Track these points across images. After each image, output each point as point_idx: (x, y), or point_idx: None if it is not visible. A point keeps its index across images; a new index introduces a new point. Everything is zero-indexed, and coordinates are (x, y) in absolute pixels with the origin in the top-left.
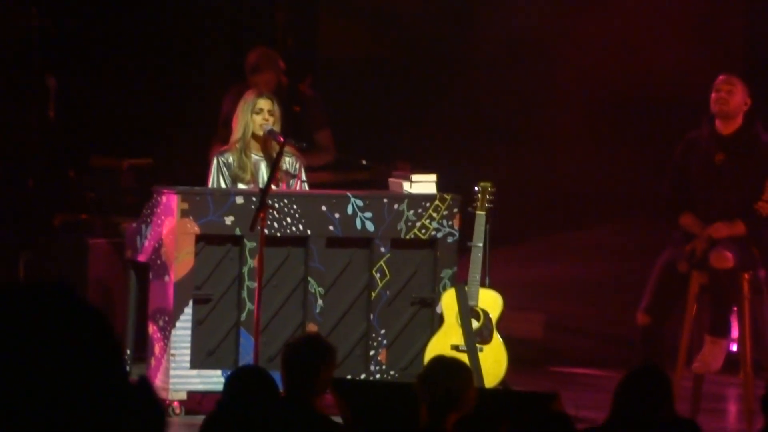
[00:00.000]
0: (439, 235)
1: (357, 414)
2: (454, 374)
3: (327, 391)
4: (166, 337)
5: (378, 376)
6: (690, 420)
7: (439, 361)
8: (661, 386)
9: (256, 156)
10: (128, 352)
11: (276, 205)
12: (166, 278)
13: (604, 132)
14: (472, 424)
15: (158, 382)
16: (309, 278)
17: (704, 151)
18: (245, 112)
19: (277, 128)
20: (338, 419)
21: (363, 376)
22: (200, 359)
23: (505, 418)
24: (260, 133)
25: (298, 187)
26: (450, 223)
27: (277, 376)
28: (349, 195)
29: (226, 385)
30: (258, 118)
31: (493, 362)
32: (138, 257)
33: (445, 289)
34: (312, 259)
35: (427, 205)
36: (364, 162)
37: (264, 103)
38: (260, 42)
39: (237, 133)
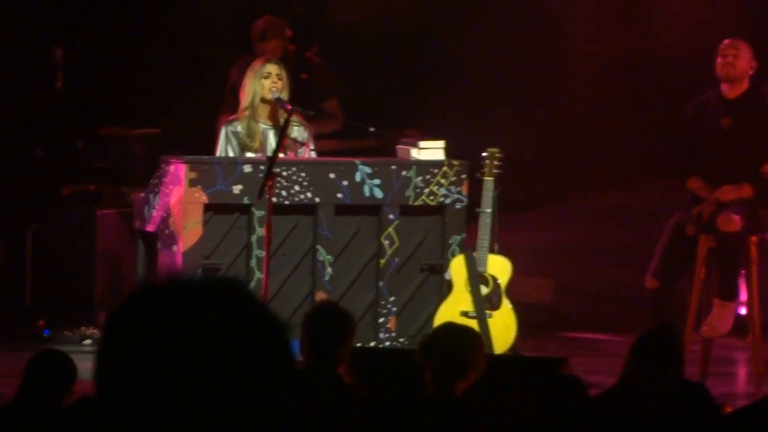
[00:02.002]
0: (448, 201)
1: (366, 381)
2: (456, 340)
3: (349, 360)
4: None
5: (387, 343)
6: (699, 383)
7: (443, 328)
8: (673, 347)
9: (264, 125)
10: None
11: (284, 173)
12: (175, 248)
13: (612, 97)
14: (483, 390)
15: None
16: (318, 246)
17: (711, 115)
18: (253, 79)
19: (285, 95)
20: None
21: (373, 344)
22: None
23: (516, 384)
24: (269, 96)
25: (306, 156)
26: (458, 189)
27: None
28: (357, 162)
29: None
30: (267, 83)
31: (503, 328)
32: (146, 227)
33: (453, 255)
34: (320, 227)
35: (435, 171)
36: (372, 129)
37: (272, 68)
38: (268, 10)
39: (246, 100)
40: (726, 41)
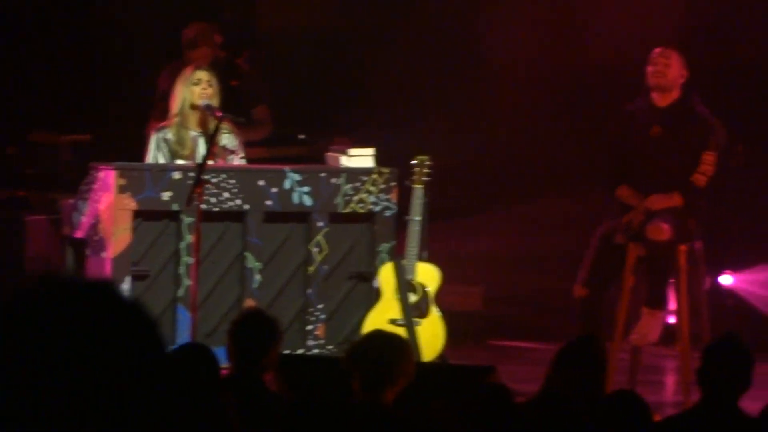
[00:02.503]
0: (377, 208)
1: (294, 389)
2: (384, 348)
3: (275, 367)
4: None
5: (316, 350)
6: (630, 390)
7: (370, 335)
8: (595, 357)
9: (194, 132)
10: None
11: (213, 180)
12: (104, 254)
13: (542, 105)
14: (410, 397)
15: None
16: (246, 253)
17: (641, 124)
18: (183, 85)
19: (215, 102)
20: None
21: (301, 351)
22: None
23: (443, 392)
24: (199, 103)
25: (236, 163)
26: (387, 197)
27: (215, 351)
28: (287, 169)
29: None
30: (196, 89)
31: (431, 336)
32: (75, 233)
33: (382, 263)
34: (249, 234)
35: (365, 178)
36: (301, 136)
37: (202, 75)
38: (199, 17)
39: (175, 107)
40: (657, 50)
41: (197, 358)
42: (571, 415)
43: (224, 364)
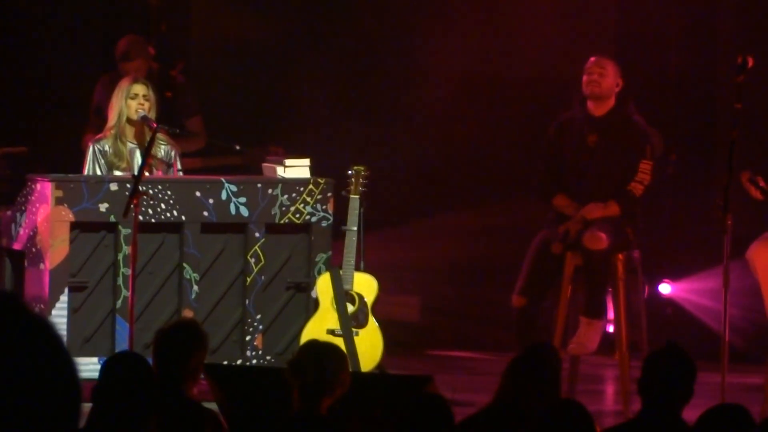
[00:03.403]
0: (314, 219)
1: (232, 399)
2: (324, 358)
3: (199, 376)
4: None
5: (254, 361)
6: (572, 399)
7: (310, 346)
8: (550, 366)
9: (131, 144)
10: None
11: (150, 191)
12: (42, 266)
13: (475, 113)
14: (347, 407)
15: None
16: (184, 264)
17: (577, 133)
18: (120, 98)
19: (152, 115)
20: (213, 405)
21: (239, 362)
22: (77, 347)
23: (381, 402)
24: (135, 118)
25: (174, 175)
26: (324, 207)
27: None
28: (223, 180)
29: (101, 372)
30: (133, 104)
31: (369, 346)
32: (13, 245)
33: (320, 273)
34: (187, 245)
35: (301, 189)
36: (237, 147)
37: (139, 89)
38: (134, 27)
39: (112, 119)
40: (592, 59)
41: (131, 367)
42: (525, 425)
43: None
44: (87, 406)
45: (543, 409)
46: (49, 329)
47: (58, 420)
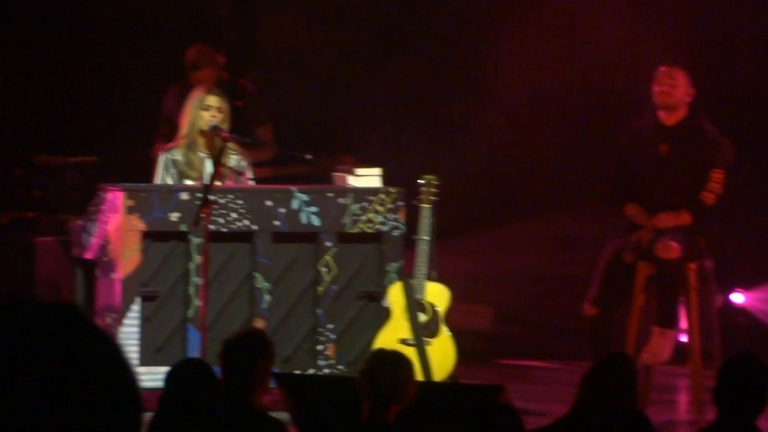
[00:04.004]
0: (385, 228)
1: (303, 408)
2: (395, 366)
3: (266, 385)
4: (114, 335)
5: (326, 370)
6: (638, 411)
7: (380, 354)
8: (628, 375)
9: (202, 153)
10: None
11: (221, 200)
12: (113, 275)
13: (546, 122)
14: (419, 417)
15: None
16: (255, 273)
17: (648, 142)
18: (193, 109)
19: (225, 126)
20: (285, 415)
21: (311, 371)
22: (149, 356)
23: (453, 411)
24: (207, 129)
25: (245, 184)
26: (395, 216)
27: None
28: (294, 190)
29: (167, 380)
30: (206, 115)
31: (442, 356)
32: (84, 254)
33: (391, 282)
34: (258, 254)
35: (372, 198)
36: (307, 156)
37: (213, 100)
38: (202, 37)
39: (184, 129)
40: (662, 68)
41: (196, 375)
42: None
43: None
44: (148, 415)
45: (611, 420)
46: (110, 340)
47: (119, 431)
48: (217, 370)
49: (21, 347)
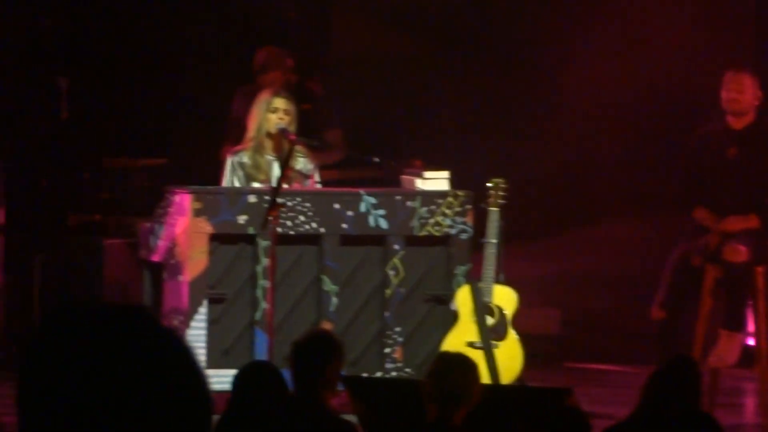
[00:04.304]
0: (453, 231)
1: (371, 411)
2: (462, 369)
3: (336, 387)
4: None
5: (394, 373)
6: (707, 414)
7: (445, 357)
8: (692, 378)
9: (270, 156)
10: None
11: (288, 203)
12: (180, 278)
13: (618, 128)
14: (487, 420)
15: None
16: (323, 276)
17: (717, 146)
18: (260, 111)
19: (292, 128)
20: (353, 417)
21: (379, 374)
22: (215, 359)
23: (521, 415)
24: (274, 131)
25: (312, 187)
26: (463, 219)
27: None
28: (362, 192)
29: (234, 383)
30: (273, 117)
31: (509, 359)
32: (152, 257)
33: (459, 285)
34: (325, 257)
35: (440, 201)
36: (375, 159)
37: (280, 102)
38: (271, 40)
39: (251, 131)
40: (729, 74)
41: (263, 377)
42: None
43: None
44: (215, 418)
45: (678, 422)
46: (180, 342)
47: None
48: (284, 372)
49: (94, 350)
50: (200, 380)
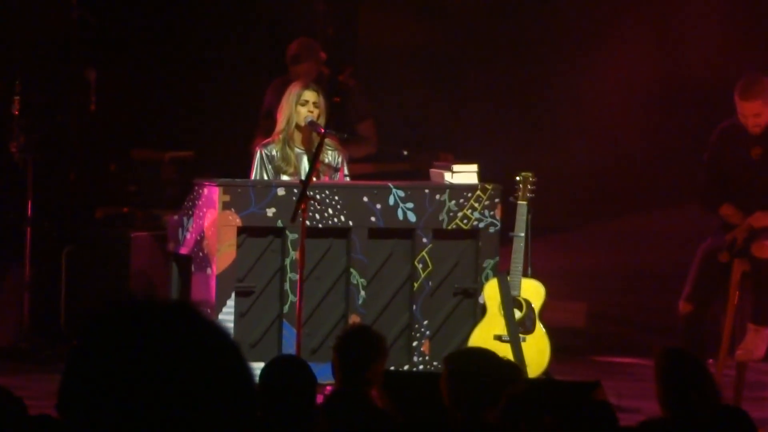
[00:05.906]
0: (481, 225)
1: (400, 404)
2: (487, 364)
3: (380, 383)
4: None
5: (421, 366)
6: (739, 408)
7: (470, 352)
8: (694, 372)
9: (299, 149)
10: None
11: (317, 196)
12: (209, 271)
13: (644, 121)
14: (515, 413)
15: None
16: (351, 269)
17: (741, 145)
18: (290, 104)
19: (321, 121)
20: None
21: (406, 367)
22: (243, 352)
23: (549, 408)
24: (304, 124)
25: (340, 180)
26: (491, 213)
27: (318, 367)
28: (391, 186)
29: (262, 376)
30: (303, 110)
31: (536, 352)
32: (180, 250)
33: (487, 279)
34: (354, 251)
35: (469, 195)
36: (404, 152)
37: (310, 95)
38: (301, 32)
39: (281, 124)
40: (741, 102)
41: (291, 371)
42: None
43: (329, 380)
44: None
45: (706, 416)
46: (227, 336)
47: (237, 426)
48: (312, 366)
49: (143, 345)
50: (247, 373)
